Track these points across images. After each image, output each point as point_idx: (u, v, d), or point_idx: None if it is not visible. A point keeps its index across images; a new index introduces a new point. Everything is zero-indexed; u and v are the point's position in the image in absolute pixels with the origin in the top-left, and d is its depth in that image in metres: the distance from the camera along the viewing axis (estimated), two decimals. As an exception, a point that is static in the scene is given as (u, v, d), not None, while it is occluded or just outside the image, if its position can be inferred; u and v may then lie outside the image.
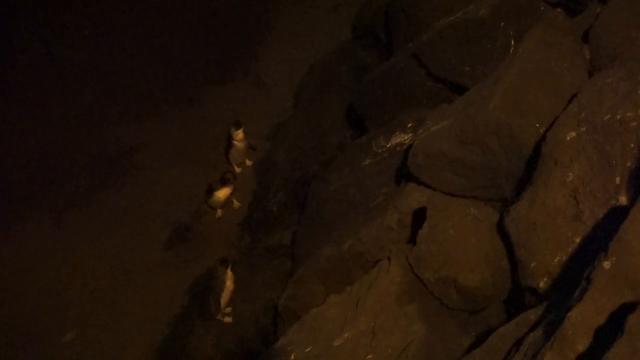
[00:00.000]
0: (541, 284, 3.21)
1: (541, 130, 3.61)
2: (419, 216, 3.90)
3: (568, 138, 3.38)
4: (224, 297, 4.71)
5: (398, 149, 4.57)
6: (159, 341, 4.91)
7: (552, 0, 4.67)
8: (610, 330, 2.23)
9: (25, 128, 6.82)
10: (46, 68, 7.78)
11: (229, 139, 5.54)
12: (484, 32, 4.70)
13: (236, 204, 5.46)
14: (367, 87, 5.55)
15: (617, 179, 3.12)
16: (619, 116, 3.25)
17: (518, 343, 2.90)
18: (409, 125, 4.71)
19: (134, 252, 5.38)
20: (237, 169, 5.67)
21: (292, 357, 3.81)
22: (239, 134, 5.37)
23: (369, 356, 3.51)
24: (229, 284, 4.73)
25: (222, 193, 5.18)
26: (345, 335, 3.61)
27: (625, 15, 3.93)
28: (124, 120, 6.62)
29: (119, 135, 6.52)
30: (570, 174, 3.28)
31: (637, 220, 2.49)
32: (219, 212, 5.42)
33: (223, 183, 5.24)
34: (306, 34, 6.91)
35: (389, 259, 3.82)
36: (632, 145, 3.10)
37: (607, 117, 3.28)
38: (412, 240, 3.93)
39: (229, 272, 4.66)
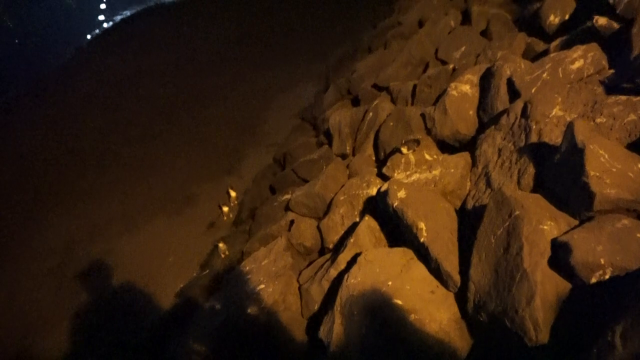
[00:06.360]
0: (330, 246, 4.91)
1: (333, 195, 5.43)
2: (292, 223, 5.65)
3: (341, 198, 5.16)
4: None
5: (286, 200, 6.53)
6: (199, 263, 7.10)
7: (337, 152, 6.92)
8: (352, 262, 3.59)
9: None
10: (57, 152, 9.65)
11: (228, 193, 8.14)
12: (315, 164, 6.98)
13: (231, 215, 7.92)
14: (278, 179, 7.74)
15: (358, 217, 4.71)
16: (354, 192, 5.01)
17: (325, 266, 4.26)
18: (290, 191, 6.72)
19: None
20: (230, 205, 8.10)
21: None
22: (233, 192, 8.31)
23: (282, 263, 4.73)
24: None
25: (226, 207, 7.87)
26: (264, 263, 4.89)
27: (362, 161, 5.79)
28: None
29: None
30: (340, 211, 4.95)
31: (362, 228, 4.07)
32: (225, 217, 7.80)
33: (225, 202, 7.92)
34: (257, 161, 9.40)
35: (281, 237, 5.37)
36: (360, 202, 4.78)
37: (348, 195, 5.02)
38: (289, 229, 5.35)
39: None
